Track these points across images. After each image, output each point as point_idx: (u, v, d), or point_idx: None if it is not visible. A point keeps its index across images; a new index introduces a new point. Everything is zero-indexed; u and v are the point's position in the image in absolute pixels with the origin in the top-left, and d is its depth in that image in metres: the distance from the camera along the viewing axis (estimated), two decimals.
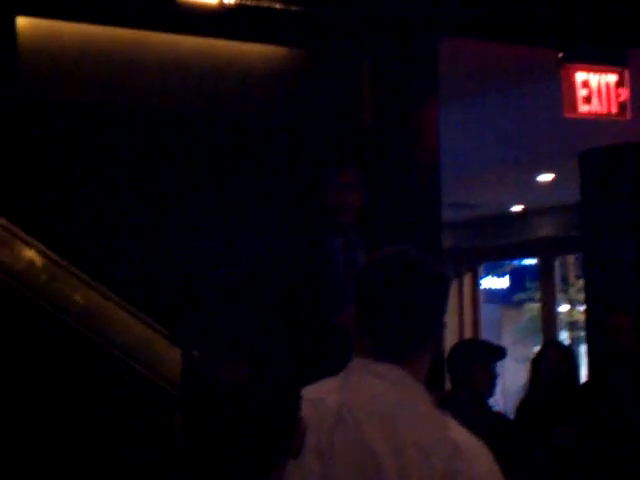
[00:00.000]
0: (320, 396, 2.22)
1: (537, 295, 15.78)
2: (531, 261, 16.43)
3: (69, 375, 4.10)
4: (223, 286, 4.39)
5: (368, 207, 4.81)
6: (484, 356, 5.38)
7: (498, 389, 5.73)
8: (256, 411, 1.73)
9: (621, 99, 6.95)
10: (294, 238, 4.84)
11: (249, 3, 5.56)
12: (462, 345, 5.82)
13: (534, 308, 16.59)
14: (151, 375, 3.96)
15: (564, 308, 16.21)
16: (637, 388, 5.66)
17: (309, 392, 2.25)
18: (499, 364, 5.58)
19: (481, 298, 15.13)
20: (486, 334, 14.24)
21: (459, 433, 2.16)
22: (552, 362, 5.91)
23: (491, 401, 5.61)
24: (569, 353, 6.23)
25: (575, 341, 15.90)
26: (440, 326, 2.28)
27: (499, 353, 5.48)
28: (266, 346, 1.82)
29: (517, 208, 13.15)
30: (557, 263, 13.97)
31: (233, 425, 1.72)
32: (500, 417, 5.71)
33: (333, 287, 4.54)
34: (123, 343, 4.04)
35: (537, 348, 7.36)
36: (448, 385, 5.54)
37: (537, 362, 6.01)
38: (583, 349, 12.56)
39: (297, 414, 1.79)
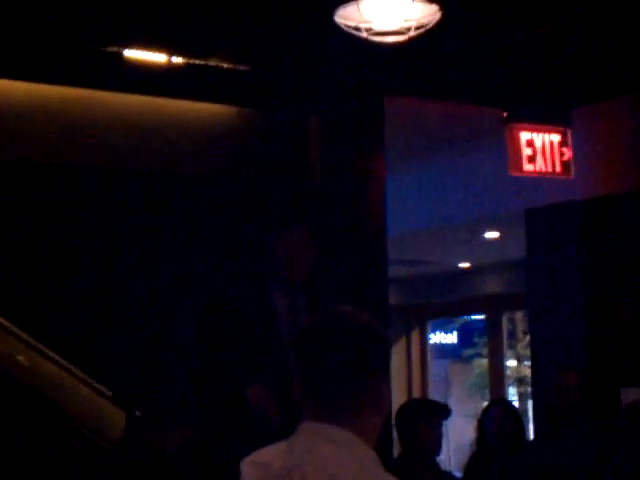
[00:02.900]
0: (269, 460, 2.21)
1: (485, 350, 15.83)
2: (479, 316, 16.49)
3: (11, 437, 4.03)
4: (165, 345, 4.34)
5: (315, 266, 4.79)
6: (429, 415, 5.40)
7: (446, 446, 5.73)
8: (194, 475, 1.72)
9: (565, 158, 7.07)
10: (240, 296, 4.76)
11: (197, 62, 5.59)
12: (408, 405, 5.82)
13: (482, 364, 16.63)
14: (96, 437, 3.90)
15: (512, 363, 16.26)
16: (587, 445, 5.69)
17: (258, 456, 2.24)
18: (447, 422, 5.60)
19: (430, 354, 15.12)
20: (435, 390, 14.22)
21: None
22: (496, 421, 5.91)
23: (440, 459, 5.62)
24: (513, 411, 6.24)
25: (523, 397, 15.94)
26: (384, 387, 2.27)
27: (444, 412, 5.50)
28: (202, 411, 1.82)
29: (464, 265, 13.23)
30: (505, 319, 14.03)
31: None
32: (448, 476, 5.71)
33: (273, 348, 4.51)
34: (66, 404, 3.98)
35: (485, 404, 7.37)
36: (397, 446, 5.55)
37: (482, 421, 6.02)
38: (531, 405, 12.60)
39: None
